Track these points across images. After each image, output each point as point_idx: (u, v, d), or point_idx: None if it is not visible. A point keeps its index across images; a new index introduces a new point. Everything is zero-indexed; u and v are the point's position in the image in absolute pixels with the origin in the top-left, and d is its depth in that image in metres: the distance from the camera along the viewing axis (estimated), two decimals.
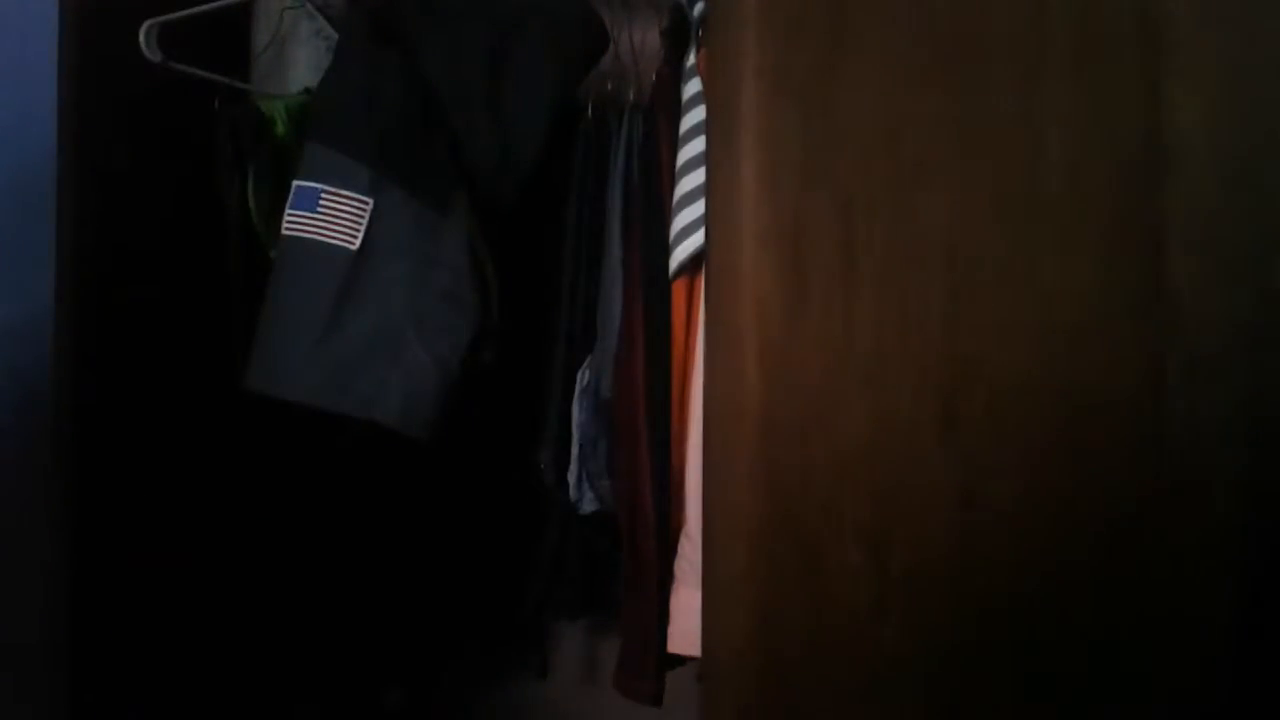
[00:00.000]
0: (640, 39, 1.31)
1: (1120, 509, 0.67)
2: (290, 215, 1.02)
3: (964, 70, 0.67)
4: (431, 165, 1.06)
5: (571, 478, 1.19)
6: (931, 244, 0.67)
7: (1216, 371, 0.67)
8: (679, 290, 1.02)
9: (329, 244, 1.01)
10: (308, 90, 1.26)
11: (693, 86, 1.00)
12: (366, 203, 1.01)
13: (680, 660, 1.06)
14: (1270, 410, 0.67)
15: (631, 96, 1.25)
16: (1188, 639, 0.68)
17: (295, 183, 1.03)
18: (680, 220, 0.98)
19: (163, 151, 1.20)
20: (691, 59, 1.02)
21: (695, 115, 0.99)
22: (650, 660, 1.05)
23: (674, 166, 1.01)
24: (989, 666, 0.68)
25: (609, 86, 1.26)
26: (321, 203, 1.01)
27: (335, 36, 1.34)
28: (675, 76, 1.08)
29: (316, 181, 1.02)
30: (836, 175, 0.67)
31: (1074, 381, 0.67)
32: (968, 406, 0.67)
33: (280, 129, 1.20)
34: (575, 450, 1.18)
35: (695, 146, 0.98)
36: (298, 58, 1.42)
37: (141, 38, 1.12)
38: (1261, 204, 0.67)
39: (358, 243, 1.01)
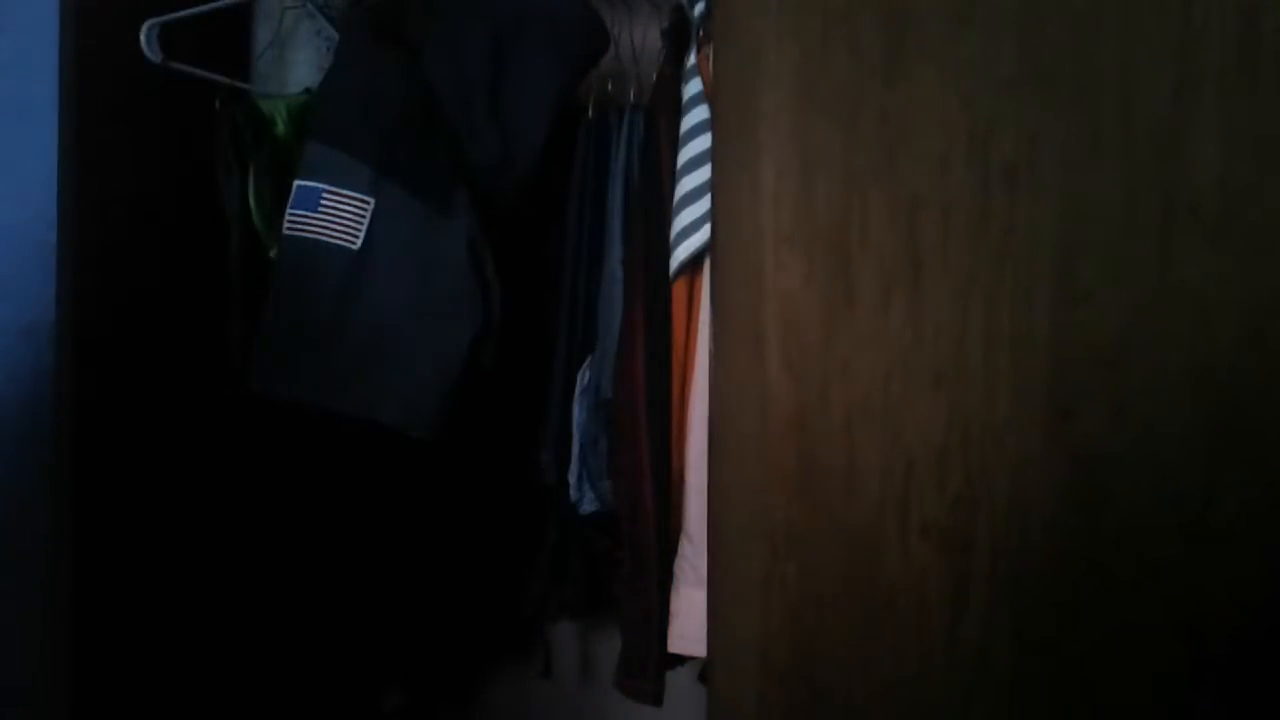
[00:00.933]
0: (640, 39, 1.31)
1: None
2: (291, 215, 1.02)
3: (1085, 82, 0.65)
4: (433, 165, 1.06)
5: (572, 477, 1.19)
6: (1036, 249, 0.66)
7: None
8: (679, 290, 1.02)
9: (331, 243, 1.01)
10: (308, 90, 1.26)
11: (693, 86, 1.00)
12: (368, 202, 1.01)
13: (680, 660, 1.06)
14: None
15: (632, 96, 1.25)
16: None
17: (296, 182, 1.03)
18: (681, 220, 0.98)
19: (163, 151, 1.20)
20: (692, 58, 1.02)
21: (696, 115, 0.99)
22: (651, 660, 1.05)
23: (675, 166, 1.01)
24: (1120, 671, 0.67)
25: (609, 86, 1.26)
26: (323, 202, 1.01)
27: (336, 37, 1.34)
28: (676, 76, 1.08)
29: (318, 181, 1.02)
30: (896, 178, 0.66)
31: (1231, 383, 0.65)
32: (1090, 406, 0.66)
33: (280, 129, 1.20)
34: (575, 450, 1.18)
35: (696, 146, 0.98)
36: (298, 58, 1.42)
37: (142, 38, 1.12)
38: None
39: (359, 242, 1.01)
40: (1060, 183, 0.66)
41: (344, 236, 1.01)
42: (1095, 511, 0.66)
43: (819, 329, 0.67)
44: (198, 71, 1.19)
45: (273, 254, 1.13)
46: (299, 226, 1.02)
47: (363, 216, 1.01)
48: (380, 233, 1.01)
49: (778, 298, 0.67)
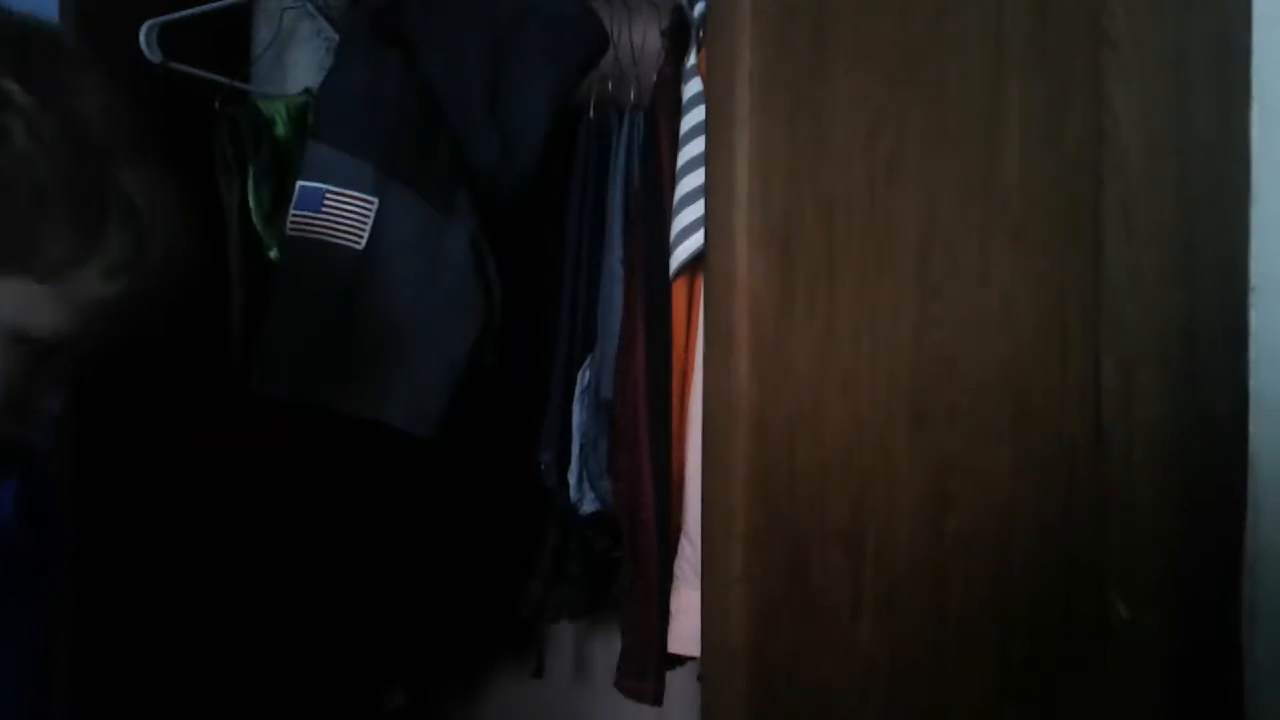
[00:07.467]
0: (640, 39, 1.31)
1: (1061, 511, 0.68)
2: (295, 216, 1.02)
3: (935, 70, 0.67)
4: (435, 164, 1.06)
5: (572, 478, 1.19)
6: (905, 244, 0.67)
7: (1150, 372, 0.67)
8: (679, 290, 1.02)
9: (334, 244, 1.00)
10: (308, 91, 1.26)
11: (693, 87, 1.00)
12: (371, 202, 1.01)
13: (680, 660, 1.06)
14: (1202, 412, 0.67)
15: (632, 97, 1.25)
16: (1129, 639, 0.68)
17: (299, 183, 1.03)
18: (680, 220, 0.98)
19: (162, 152, 1.20)
20: (692, 59, 1.02)
21: (696, 115, 0.99)
22: (651, 660, 1.05)
23: (675, 167, 1.01)
24: (956, 668, 0.68)
25: (609, 87, 1.26)
26: (326, 203, 1.01)
27: (336, 37, 1.34)
28: (676, 77, 1.08)
29: (320, 181, 1.01)
30: (820, 177, 0.67)
31: (1028, 381, 0.67)
32: (936, 406, 0.67)
33: (280, 129, 1.20)
34: (575, 450, 1.18)
35: (696, 147, 0.98)
36: (298, 58, 1.42)
37: (142, 38, 1.12)
38: (1190, 204, 0.67)
39: (363, 242, 1.01)
40: (921, 177, 0.67)
41: (348, 237, 1.01)
42: (939, 514, 0.67)
43: (773, 330, 0.67)
44: (197, 72, 1.19)
45: (272, 255, 1.13)
46: (302, 227, 1.01)
47: (366, 217, 1.01)
48: (384, 233, 1.01)
49: (747, 299, 0.67)
